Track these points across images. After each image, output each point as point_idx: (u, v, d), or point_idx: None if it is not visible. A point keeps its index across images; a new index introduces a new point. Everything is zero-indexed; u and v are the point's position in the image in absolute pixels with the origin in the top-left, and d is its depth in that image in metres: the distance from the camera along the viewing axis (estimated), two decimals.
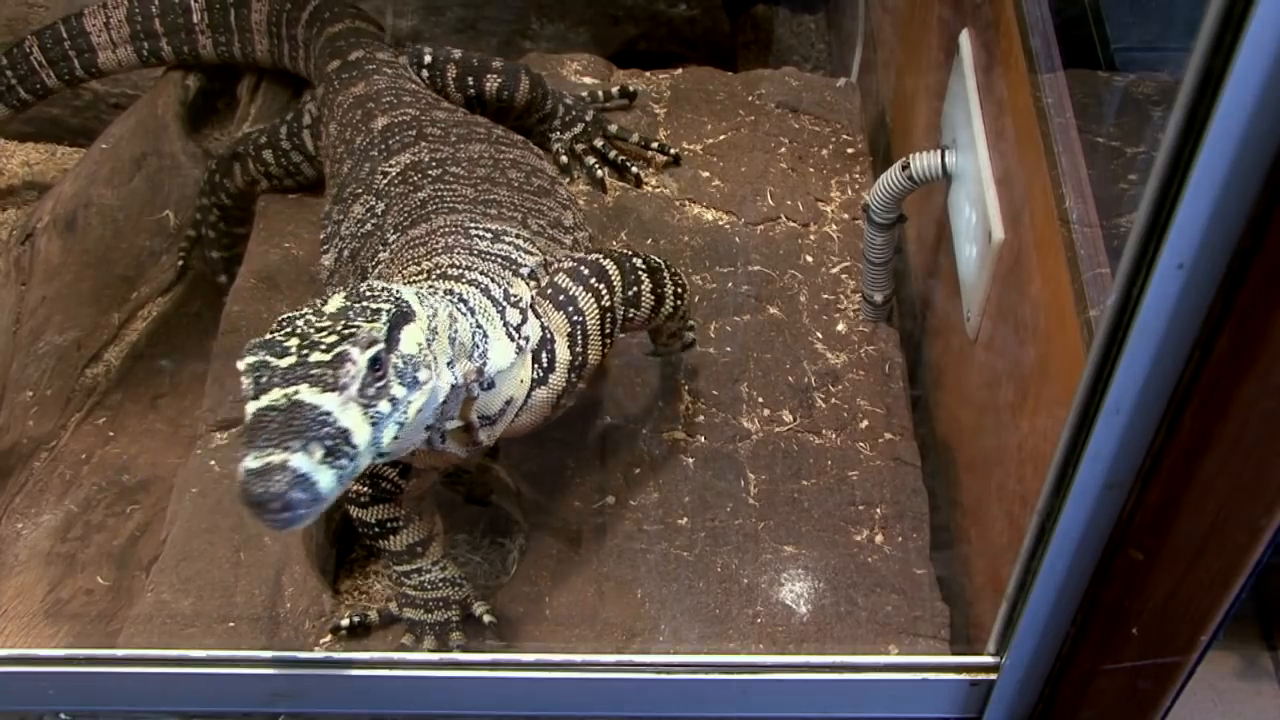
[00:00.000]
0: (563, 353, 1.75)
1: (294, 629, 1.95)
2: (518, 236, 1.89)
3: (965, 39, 2.00)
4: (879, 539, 2.03)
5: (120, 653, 1.64)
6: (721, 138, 2.68)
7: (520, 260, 1.82)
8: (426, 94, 2.43)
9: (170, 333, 2.55)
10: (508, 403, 1.68)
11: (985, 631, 1.41)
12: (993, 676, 1.40)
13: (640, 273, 1.87)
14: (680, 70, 2.88)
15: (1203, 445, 1.00)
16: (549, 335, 1.75)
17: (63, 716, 1.59)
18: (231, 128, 2.85)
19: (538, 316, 1.75)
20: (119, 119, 2.80)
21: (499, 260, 1.80)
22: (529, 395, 1.71)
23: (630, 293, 1.85)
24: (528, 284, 1.78)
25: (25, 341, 2.46)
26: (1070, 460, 1.10)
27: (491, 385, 1.62)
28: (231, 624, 1.93)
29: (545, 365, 1.73)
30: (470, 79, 2.53)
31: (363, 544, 2.19)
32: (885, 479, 2.10)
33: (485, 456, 2.00)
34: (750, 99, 2.78)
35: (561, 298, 1.78)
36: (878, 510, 2.06)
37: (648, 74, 2.85)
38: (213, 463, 2.13)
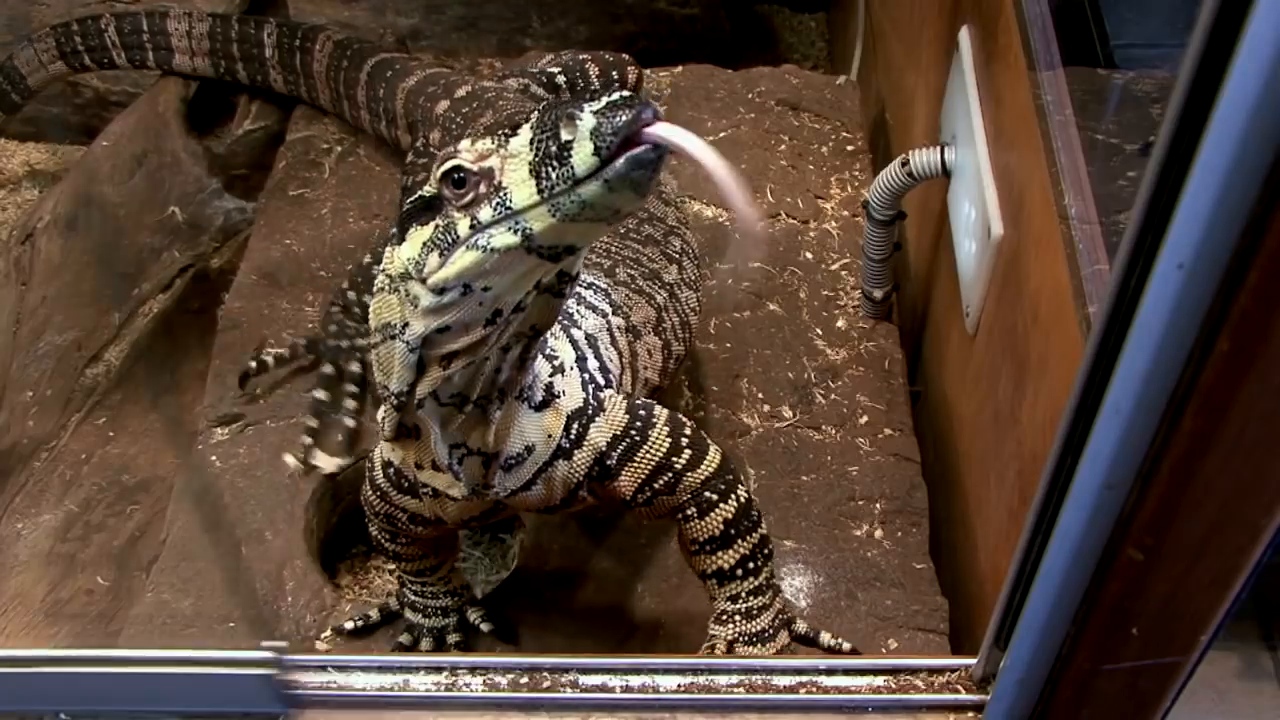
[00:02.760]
0: (597, 437, 1.60)
1: (295, 623, 1.95)
2: (590, 286, 1.77)
3: (965, 36, 2.00)
4: (878, 534, 2.03)
5: (120, 653, 1.63)
6: (722, 135, 2.68)
7: (578, 317, 1.70)
8: None
9: (171, 331, 2.55)
10: (528, 450, 1.54)
11: (984, 628, 1.41)
12: (992, 676, 1.40)
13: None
14: (680, 68, 2.88)
15: (1203, 445, 1.00)
16: (591, 410, 1.60)
17: (62, 716, 1.58)
18: (232, 126, 2.86)
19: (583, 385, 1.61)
20: (119, 117, 2.81)
21: None
22: (551, 462, 1.57)
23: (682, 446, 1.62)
24: (573, 346, 1.64)
25: (25, 341, 2.46)
26: (1069, 460, 1.10)
27: (534, 398, 1.52)
28: (232, 624, 1.94)
29: (574, 437, 1.58)
30: (614, 73, 2.56)
31: (364, 541, 2.20)
32: (885, 474, 2.10)
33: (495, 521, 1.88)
34: (750, 97, 2.79)
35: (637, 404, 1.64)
36: (877, 505, 2.06)
37: (648, 71, 2.85)
38: (214, 459, 2.13)
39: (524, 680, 1.47)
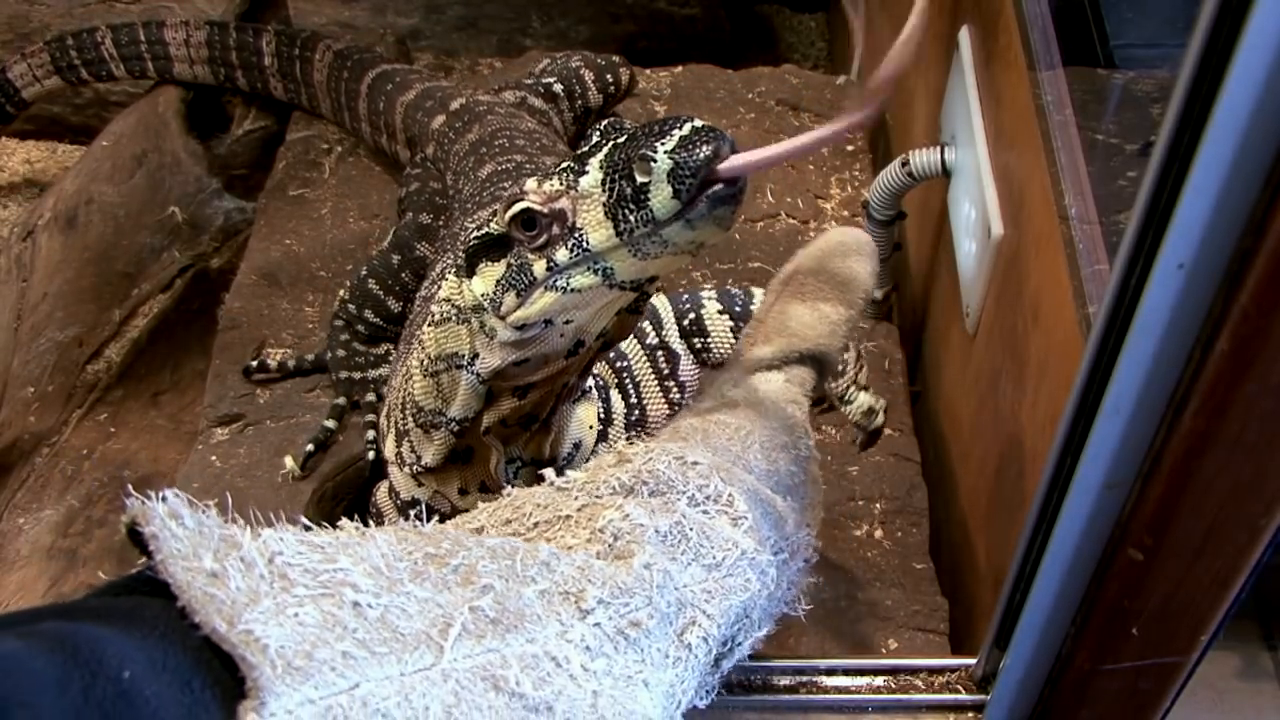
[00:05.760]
0: (617, 403, 1.65)
1: None
2: None
3: (965, 36, 2.00)
4: (879, 534, 2.03)
5: None
6: None
7: None
8: (543, 133, 2.40)
9: (171, 329, 2.55)
10: (576, 447, 1.56)
11: (984, 628, 1.41)
12: (992, 676, 1.41)
13: (706, 300, 1.67)
14: (680, 68, 2.88)
15: (1203, 445, 1.00)
16: (602, 383, 1.64)
17: None
18: (233, 125, 2.86)
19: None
20: (120, 116, 2.81)
21: None
22: (595, 449, 1.58)
23: (688, 321, 1.66)
24: None
25: (27, 338, 2.46)
26: (1069, 459, 1.10)
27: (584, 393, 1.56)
28: None
29: (603, 417, 1.61)
30: (609, 76, 2.58)
31: None
32: (885, 474, 2.10)
33: None
34: (750, 96, 2.78)
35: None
36: (877, 505, 2.06)
37: (648, 71, 2.85)
38: (214, 458, 2.13)
39: None
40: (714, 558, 1.09)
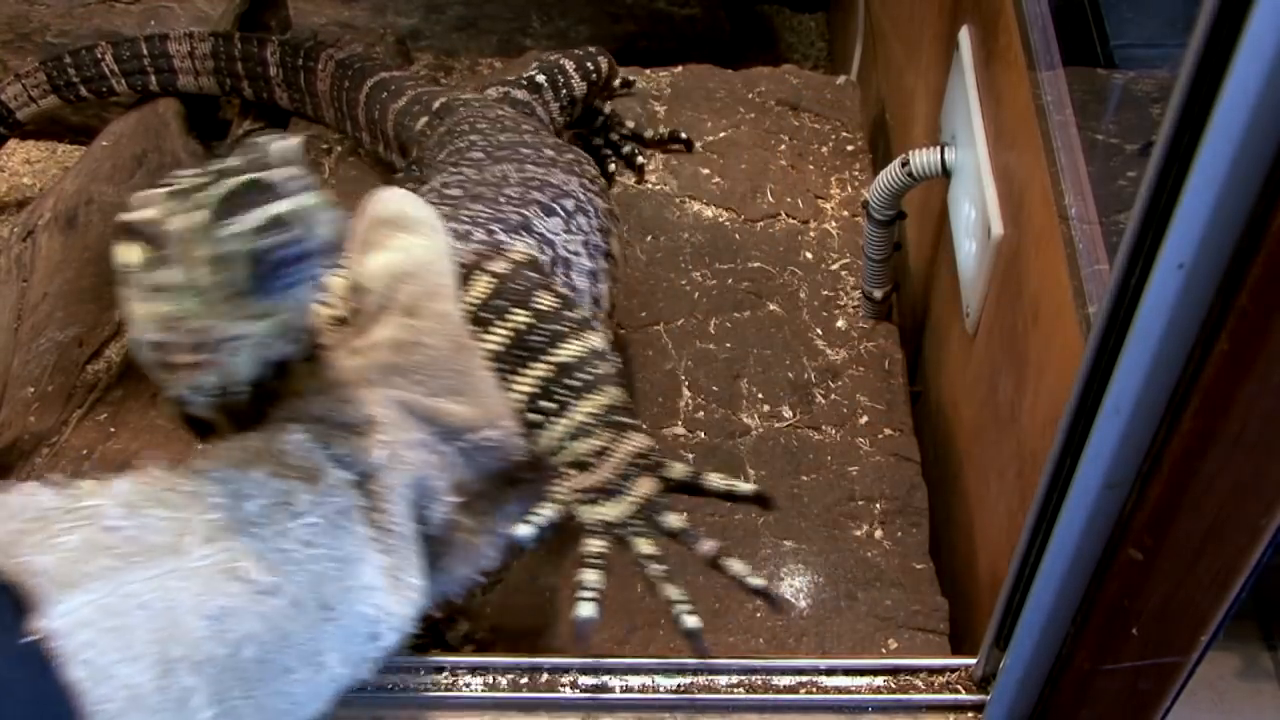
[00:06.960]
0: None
1: None
2: None
3: (965, 36, 2.00)
4: (878, 534, 2.03)
5: None
6: (721, 135, 2.68)
7: None
8: (509, 117, 2.37)
9: None
10: None
11: (984, 628, 1.41)
12: (992, 676, 1.41)
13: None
14: (680, 68, 2.88)
15: (1203, 445, 1.00)
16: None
17: None
18: (232, 126, 2.86)
19: None
20: (120, 117, 2.81)
21: None
22: None
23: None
24: None
25: (26, 338, 2.46)
26: (1069, 460, 1.10)
27: None
28: None
29: None
30: (589, 64, 2.57)
31: None
32: (885, 474, 2.10)
33: None
34: (750, 96, 2.79)
35: None
36: (877, 506, 2.06)
37: (647, 71, 2.85)
38: None
39: (524, 680, 1.47)
40: (367, 465, 1.27)
